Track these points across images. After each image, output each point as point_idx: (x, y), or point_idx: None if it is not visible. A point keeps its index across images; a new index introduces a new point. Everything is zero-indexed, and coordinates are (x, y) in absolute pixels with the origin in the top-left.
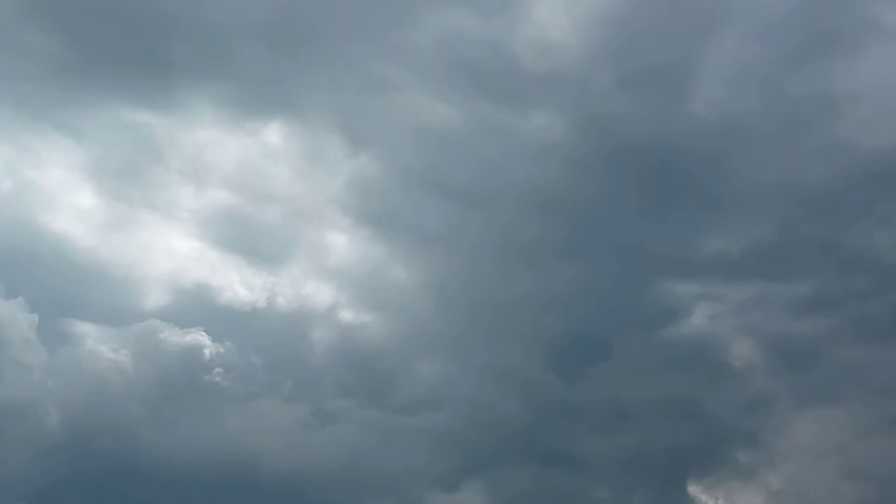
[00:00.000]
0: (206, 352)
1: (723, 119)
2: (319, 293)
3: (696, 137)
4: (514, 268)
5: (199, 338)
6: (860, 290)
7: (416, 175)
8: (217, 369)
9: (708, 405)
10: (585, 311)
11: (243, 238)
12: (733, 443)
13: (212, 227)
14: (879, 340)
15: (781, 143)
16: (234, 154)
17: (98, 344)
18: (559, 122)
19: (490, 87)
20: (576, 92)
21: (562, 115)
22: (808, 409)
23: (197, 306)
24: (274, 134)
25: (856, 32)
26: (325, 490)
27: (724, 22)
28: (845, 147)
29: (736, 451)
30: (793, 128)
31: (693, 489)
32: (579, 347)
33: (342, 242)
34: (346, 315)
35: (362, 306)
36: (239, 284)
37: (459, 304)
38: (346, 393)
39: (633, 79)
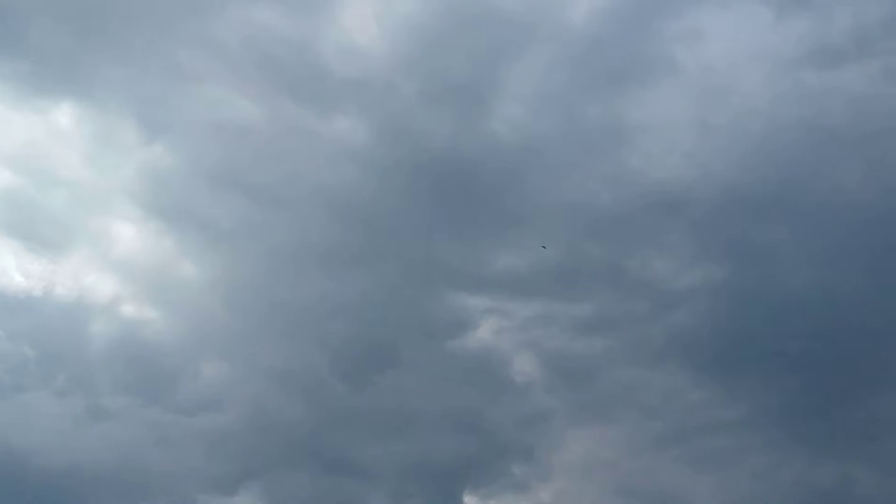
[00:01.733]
0: None
1: (520, 139)
2: (101, 285)
3: (493, 155)
4: (307, 271)
5: None
6: (638, 313)
7: (213, 170)
8: None
9: (488, 418)
10: (376, 319)
11: (23, 222)
12: (510, 456)
13: None
14: (652, 363)
15: (574, 167)
16: (20, 133)
17: None
18: (361, 129)
19: (294, 88)
20: (380, 99)
21: (365, 121)
22: (582, 426)
23: None
24: (64, 115)
25: (650, 68)
26: (96, 489)
27: (528, 46)
28: (633, 175)
29: (512, 464)
30: (585, 153)
31: (468, 500)
32: (367, 354)
33: (129, 233)
34: (129, 309)
35: (147, 301)
36: (15, 270)
37: (248, 305)
38: (124, 390)
39: (437, 92)
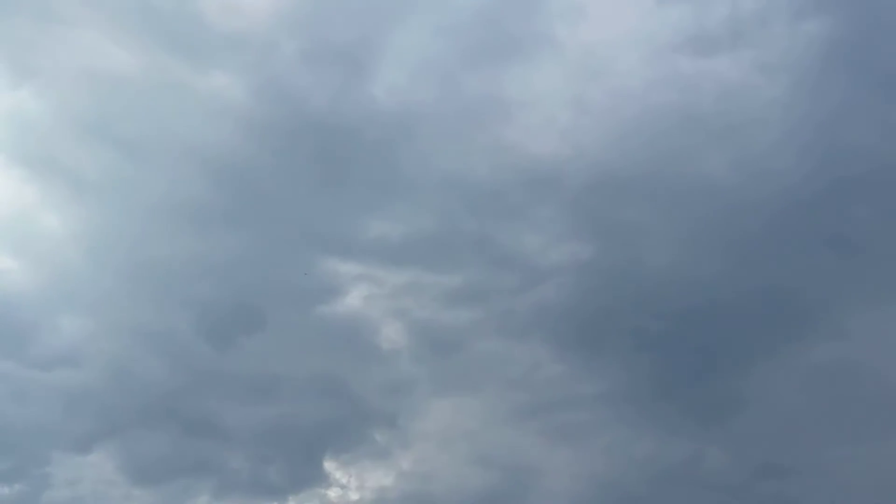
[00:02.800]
0: None
1: (400, 107)
2: None
3: (372, 121)
4: (176, 229)
5: None
6: (506, 287)
7: (82, 119)
8: None
9: (353, 384)
10: (244, 281)
11: None
12: (372, 423)
13: None
14: (517, 336)
15: (452, 138)
16: None
17: None
18: (239, 86)
19: (172, 40)
20: (259, 57)
21: (243, 78)
22: (446, 395)
23: None
24: None
25: (531, 43)
26: None
27: (411, 12)
28: (509, 150)
29: (374, 430)
30: (464, 125)
31: (329, 465)
32: (234, 316)
33: None
34: None
35: (5, 251)
36: None
37: (113, 261)
38: None
39: (318, 52)
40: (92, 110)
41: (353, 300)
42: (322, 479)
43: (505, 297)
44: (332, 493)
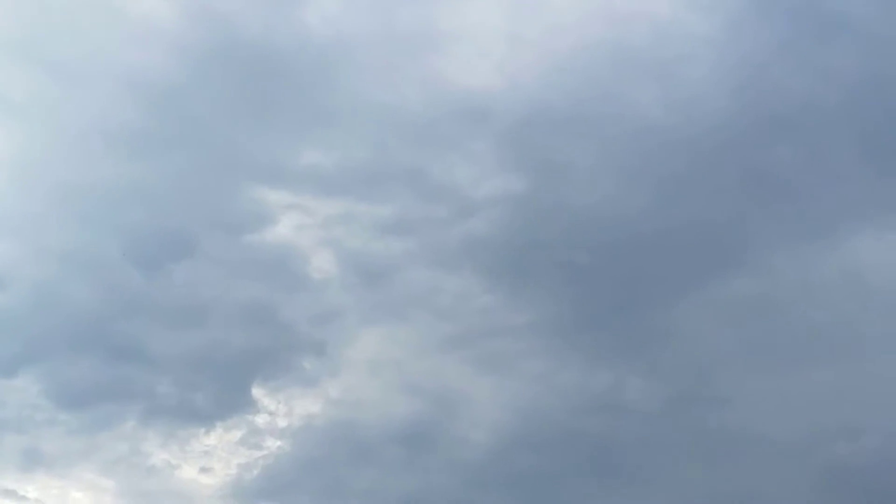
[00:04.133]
0: None
1: (333, 35)
2: None
3: (304, 48)
4: (103, 153)
5: None
6: (437, 218)
7: (7, 39)
8: None
9: (282, 313)
10: (172, 207)
11: None
12: (301, 351)
13: None
14: (447, 267)
15: (385, 68)
16: None
17: None
18: (169, 8)
19: None
20: None
21: (173, 0)
22: (375, 324)
23: None
24: None
25: None
26: None
27: None
28: (443, 81)
29: (303, 359)
30: (397, 55)
31: (257, 392)
32: (162, 243)
33: None
34: None
35: None
36: None
37: (38, 184)
38: None
39: None
40: (16, 30)
41: (284, 229)
42: (250, 406)
43: (436, 229)
44: (260, 419)
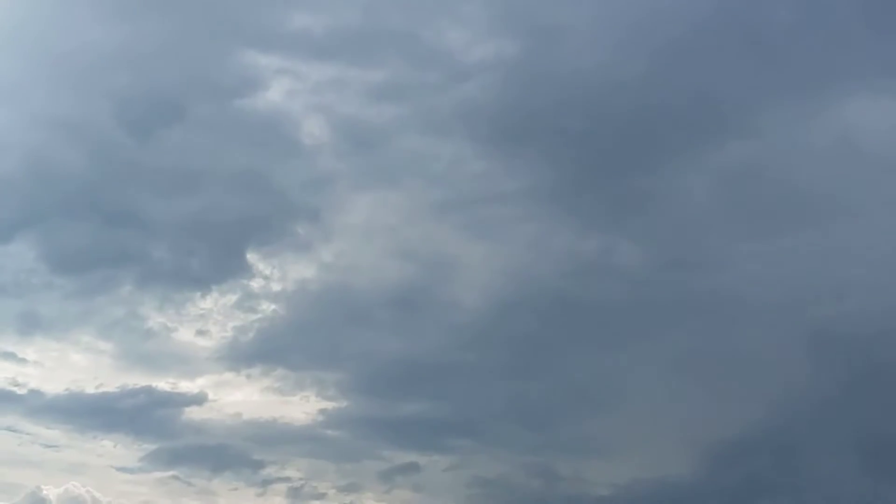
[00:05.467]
0: None
1: None
2: None
3: None
4: (94, 17)
5: None
6: (429, 83)
7: None
8: None
9: (275, 179)
10: (163, 72)
11: None
12: (295, 216)
13: None
14: (440, 132)
15: None
16: None
17: None
18: None
19: None
20: None
21: None
22: (367, 190)
23: None
24: None
25: None
26: None
27: None
28: None
29: (296, 224)
30: None
31: (252, 257)
32: (153, 108)
33: None
34: None
35: None
36: None
37: (27, 51)
38: None
39: None
40: None
41: (274, 94)
42: (245, 271)
43: (428, 94)
44: (255, 283)
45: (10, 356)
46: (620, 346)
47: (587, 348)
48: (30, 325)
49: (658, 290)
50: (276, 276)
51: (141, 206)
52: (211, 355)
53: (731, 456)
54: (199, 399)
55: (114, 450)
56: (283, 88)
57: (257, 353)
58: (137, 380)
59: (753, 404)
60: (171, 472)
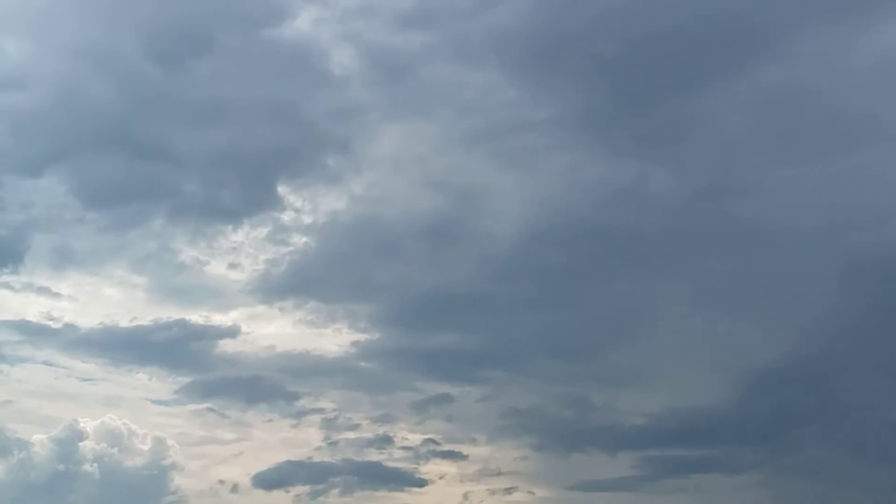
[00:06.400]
0: None
1: None
2: None
3: None
4: None
5: None
6: (459, 9)
7: None
8: None
9: (304, 110)
10: (190, 3)
11: None
12: (325, 148)
13: None
14: (470, 60)
15: None
16: None
17: None
18: None
19: None
20: None
21: None
22: (397, 120)
23: None
24: None
25: None
26: None
27: None
28: None
29: (326, 156)
30: None
31: (282, 189)
32: (181, 39)
33: None
34: None
35: None
36: None
37: None
38: None
39: None
40: None
41: (302, 23)
42: (276, 203)
43: (458, 20)
44: (286, 216)
45: (44, 291)
46: (654, 275)
47: (620, 278)
48: (63, 259)
49: (692, 218)
50: (306, 208)
51: (171, 139)
52: (243, 288)
53: (764, 384)
54: (232, 332)
55: (149, 383)
56: (311, 17)
57: (289, 285)
58: (171, 313)
59: (787, 332)
60: (205, 405)
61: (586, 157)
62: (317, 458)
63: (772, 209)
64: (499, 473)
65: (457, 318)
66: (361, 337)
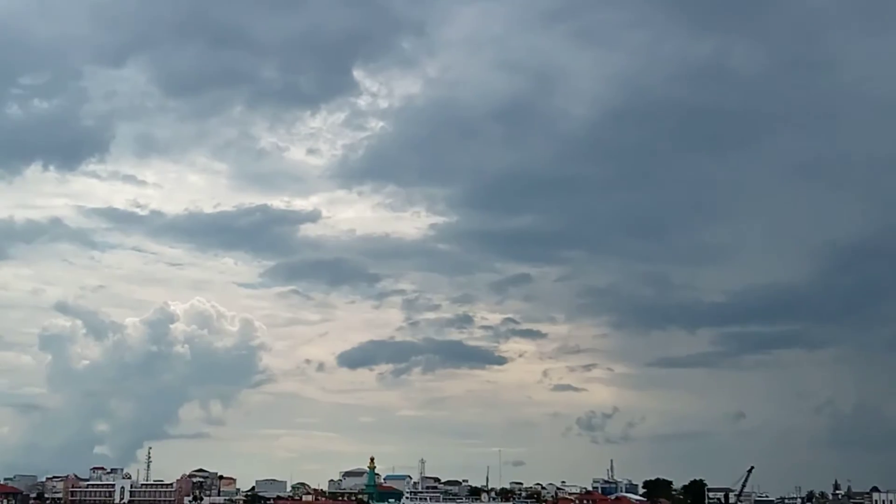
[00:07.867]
0: None
1: None
2: None
3: None
4: None
5: None
6: None
7: None
8: None
9: None
10: None
11: None
12: (400, 31)
13: None
14: None
15: None
16: None
17: None
18: None
19: None
20: None
21: None
22: (472, 1)
23: None
24: None
25: None
26: None
27: None
28: None
29: (401, 39)
30: None
31: (358, 74)
32: None
33: None
34: None
35: None
36: None
37: None
38: None
39: None
40: None
41: None
42: (352, 88)
43: None
44: (362, 101)
45: (130, 178)
46: (735, 152)
47: (700, 156)
48: (147, 147)
49: (775, 92)
50: (382, 92)
51: (249, 25)
52: (322, 173)
53: (848, 259)
54: (313, 216)
55: (234, 266)
56: None
57: (367, 170)
58: (253, 199)
59: (871, 207)
60: (290, 287)
61: (665, 32)
62: (399, 338)
63: (857, 81)
64: (578, 351)
65: (534, 200)
66: (440, 220)
